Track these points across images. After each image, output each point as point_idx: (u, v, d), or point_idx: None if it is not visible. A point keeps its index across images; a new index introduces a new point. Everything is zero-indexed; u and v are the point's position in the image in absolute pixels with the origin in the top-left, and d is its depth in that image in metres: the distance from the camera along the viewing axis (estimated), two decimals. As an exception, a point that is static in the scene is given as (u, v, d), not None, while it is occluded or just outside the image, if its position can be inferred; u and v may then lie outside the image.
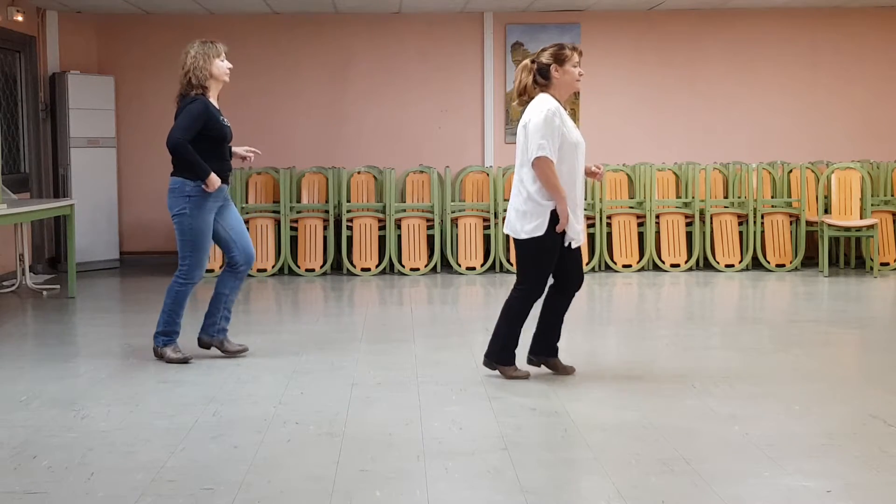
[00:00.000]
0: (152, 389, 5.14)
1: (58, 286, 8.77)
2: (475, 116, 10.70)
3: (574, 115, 10.66)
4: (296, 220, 9.74)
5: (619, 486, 3.65)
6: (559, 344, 5.42)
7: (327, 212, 9.76)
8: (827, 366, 5.79)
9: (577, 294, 5.40)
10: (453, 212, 9.76)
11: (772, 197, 10.02)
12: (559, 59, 5.10)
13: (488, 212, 9.78)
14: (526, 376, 5.29)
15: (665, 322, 7.28)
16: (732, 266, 9.71)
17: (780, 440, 4.20)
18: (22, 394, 5.05)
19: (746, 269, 9.72)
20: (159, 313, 5.82)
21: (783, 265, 9.72)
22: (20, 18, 9.28)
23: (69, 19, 10.30)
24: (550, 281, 5.32)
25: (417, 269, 9.61)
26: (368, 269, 9.59)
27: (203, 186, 5.52)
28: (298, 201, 9.95)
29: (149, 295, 8.52)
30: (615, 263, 9.72)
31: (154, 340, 5.82)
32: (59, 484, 3.70)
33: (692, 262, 9.76)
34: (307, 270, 9.60)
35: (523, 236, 5.10)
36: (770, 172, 10.06)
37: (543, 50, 5.17)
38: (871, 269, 9.41)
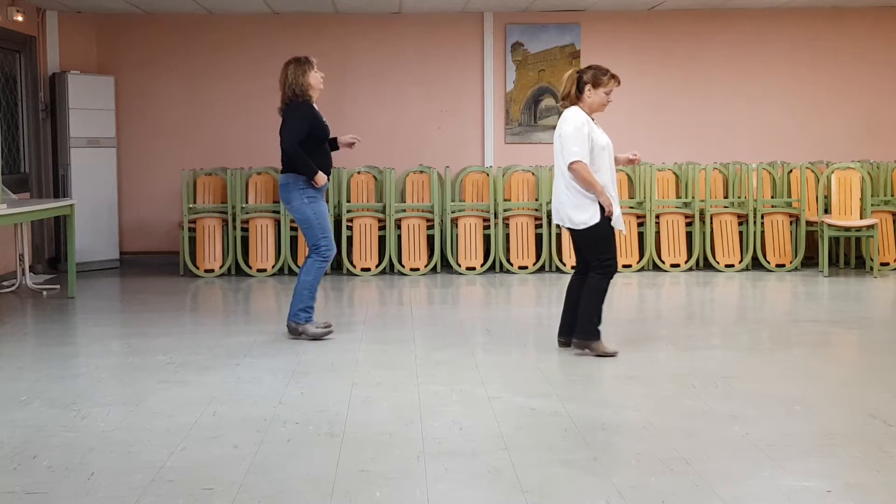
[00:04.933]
0: (152, 389, 5.14)
1: (58, 286, 8.77)
2: (475, 116, 10.70)
3: (574, 115, 10.66)
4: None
5: (619, 486, 3.65)
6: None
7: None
8: (827, 366, 5.79)
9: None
10: (453, 212, 9.76)
11: (772, 197, 10.02)
12: (596, 81, 5.87)
13: (488, 212, 9.78)
14: (614, 354, 5.91)
15: (665, 322, 7.28)
16: (732, 266, 9.72)
17: (780, 440, 4.20)
18: (22, 394, 5.06)
19: (746, 269, 9.72)
20: (294, 294, 6.44)
21: (783, 265, 9.72)
22: (20, 18, 9.28)
23: (69, 19, 10.30)
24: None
25: (417, 269, 9.61)
26: (368, 269, 9.59)
27: (313, 182, 6.32)
28: (298, 201, 9.93)
29: (149, 295, 8.53)
30: (615, 263, 9.72)
31: (294, 318, 6.42)
32: (59, 484, 3.70)
33: (692, 262, 9.76)
34: (307, 270, 9.59)
35: (580, 227, 5.81)
36: (770, 172, 10.06)
37: (589, 67, 5.95)
38: (871, 269, 9.41)
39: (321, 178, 6.34)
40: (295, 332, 6.42)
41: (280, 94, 6.43)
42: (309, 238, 6.47)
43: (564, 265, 9.65)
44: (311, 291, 6.44)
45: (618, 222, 5.85)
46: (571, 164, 5.72)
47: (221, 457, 4.02)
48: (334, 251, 6.51)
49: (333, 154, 6.64)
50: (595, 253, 5.89)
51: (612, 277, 5.94)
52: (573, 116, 5.83)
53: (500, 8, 10.37)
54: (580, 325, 5.96)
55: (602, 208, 5.76)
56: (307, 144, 6.31)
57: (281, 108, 6.44)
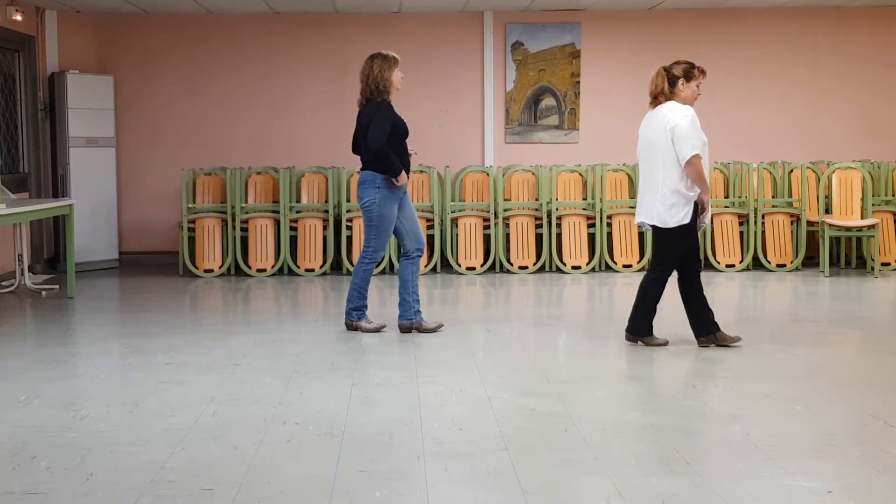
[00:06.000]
0: (152, 389, 5.13)
1: (57, 286, 8.76)
2: (475, 116, 10.69)
3: (574, 115, 10.66)
4: (296, 220, 9.73)
5: (619, 486, 3.64)
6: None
7: (327, 212, 9.75)
8: (827, 366, 5.79)
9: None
10: (453, 212, 9.75)
11: (772, 197, 10.01)
12: (688, 75, 5.93)
13: (488, 212, 9.77)
14: (665, 343, 6.05)
15: (665, 322, 7.26)
16: (733, 266, 9.71)
17: (780, 440, 4.19)
18: (21, 394, 5.05)
19: (747, 269, 9.71)
20: (348, 293, 6.62)
21: (784, 265, 9.71)
22: (19, 18, 9.28)
23: (68, 18, 10.30)
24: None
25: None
26: (368, 269, 9.57)
27: (394, 181, 6.38)
28: (298, 201, 9.94)
29: (148, 295, 8.52)
30: (615, 263, 9.72)
31: (347, 316, 6.63)
32: (58, 484, 3.69)
33: (692, 261, 9.75)
34: (307, 270, 9.59)
35: (672, 225, 5.81)
36: (771, 172, 10.06)
37: (677, 63, 6.00)
38: (872, 269, 9.41)
39: (404, 177, 6.43)
40: (351, 328, 6.64)
41: (361, 86, 6.48)
42: (365, 235, 6.60)
43: (564, 265, 9.65)
44: (359, 293, 6.59)
45: (707, 218, 5.90)
46: (691, 158, 5.69)
47: (221, 457, 4.01)
48: (381, 254, 6.60)
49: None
50: (669, 252, 5.93)
51: (667, 280, 6.00)
52: (683, 110, 5.81)
53: (500, 7, 10.37)
54: (634, 322, 6.07)
55: (695, 209, 5.79)
56: (388, 142, 6.39)
57: (360, 102, 6.51)
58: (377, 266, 6.77)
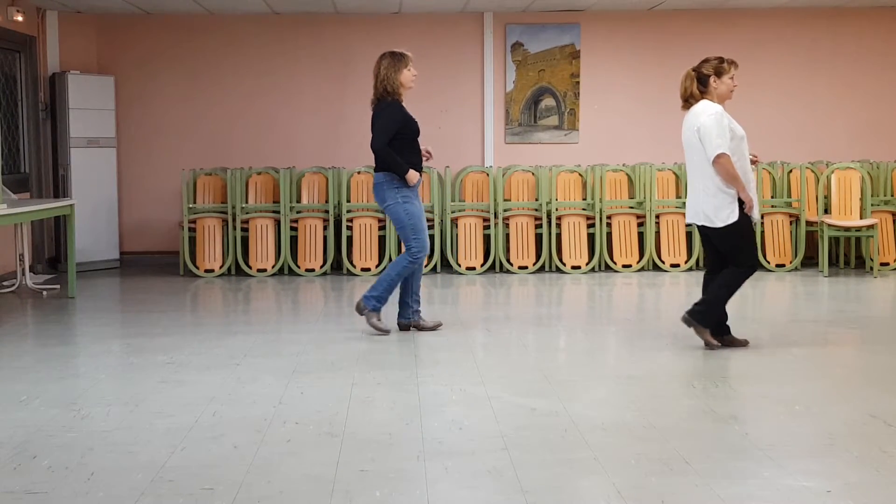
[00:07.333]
0: (152, 389, 5.14)
1: (58, 286, 8.77)
2: (475, 116, 10.70)
3: (574, 115, 10.67)
4: (296, 220, 9.74)
5: (620, 486, 3.65)
6: (728, 323, 6.11)
7: (327, 212, 9.76)
8: (827, 366, 5.79)
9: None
10: (453, 212, 9.76)
11: (772, 197, 10.02)
12: (718, 71, 5.88)
13: (488, 212, 9.78)
14: (719, 345, 5.99)
15: (665, 322, 7.28)
16: (732, 266, 9.71)
17: (780, 440, 4.20)
18: (22, 394, 5.06)
19: (746, 269, 9.71)
20: (378, 280, 6.46)
21: (783, 265, 9.71)
22: (20, 18, 9.28)
23: (69, 19, 10.30)
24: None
25: (417, 269, 9.60)
26: (368, 269, 9.59)
27: (406, 180, 6.33)
28: (298, 201, 9.95)
29: (149, 295, 8.53)
30: (615, 263, 9.72)
31: (364, 301, 6.46)
32: (58, 484, 3.70)
33: (692, 261, 9.76)
34: (307, 270, 9.60)
35: (719, 224, 5.78)
36: (770, 172, 10.06)
37: (705, 61, 5.91)
38: (871, 269, 9.41)
39: (413, 175, 6.35)
40: (359, 311, 6.51)
41: (372, 85, 6.43)
42: (402, 237, 6.50)
43: (564, 265, 9.65)
44: (389, 284, 6.44)
45: (757, 216, 5.85)
46: (717, 157, 5.67)
47: (221, 457, 4.02)
48: (426, 252, 6.46)
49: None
50: (736, 251, 5.86)
51: (751, 274, 5.92)
52: (709, 107, 5.79)
53: (499, 8, 10.37)
54: (701, 307, 5.98)
55: (741, 204, 5.74)
56: (396, 143, 6.35)
57: (373, 102, 6.46)
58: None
